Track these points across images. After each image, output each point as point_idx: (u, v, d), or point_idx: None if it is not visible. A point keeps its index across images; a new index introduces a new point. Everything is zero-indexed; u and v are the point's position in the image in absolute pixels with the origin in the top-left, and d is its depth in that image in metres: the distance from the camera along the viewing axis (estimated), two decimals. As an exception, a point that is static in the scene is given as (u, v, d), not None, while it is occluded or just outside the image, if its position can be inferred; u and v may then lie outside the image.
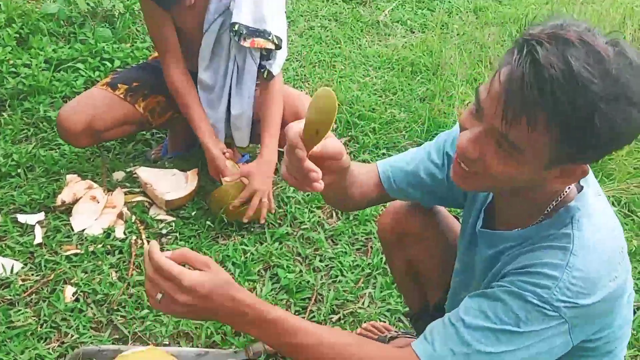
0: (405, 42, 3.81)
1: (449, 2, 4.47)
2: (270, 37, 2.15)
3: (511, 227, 1.17)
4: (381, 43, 3.84)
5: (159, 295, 1.02)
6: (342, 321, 1.93)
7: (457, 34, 3.97)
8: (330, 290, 2.02)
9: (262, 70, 2.21)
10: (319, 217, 2.31)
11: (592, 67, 0.90)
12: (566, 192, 1.10)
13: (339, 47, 3.64)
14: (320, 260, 2.13)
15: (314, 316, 1.92)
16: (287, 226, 2.25)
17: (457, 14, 4.30)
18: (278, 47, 2.18)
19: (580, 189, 1.13)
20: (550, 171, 1.02)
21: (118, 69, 2.82)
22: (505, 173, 1.02)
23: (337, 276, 2.08)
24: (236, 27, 2.12)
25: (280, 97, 2.24)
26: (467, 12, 4.37)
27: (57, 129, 2.29)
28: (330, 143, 1.09)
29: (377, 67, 3.49)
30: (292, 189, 2.43)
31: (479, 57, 3.56)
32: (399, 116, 2.96)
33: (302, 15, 4.01)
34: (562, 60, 0.90)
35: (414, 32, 4.01)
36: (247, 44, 2.14)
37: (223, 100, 2.30)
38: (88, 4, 3.22)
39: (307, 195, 2.41)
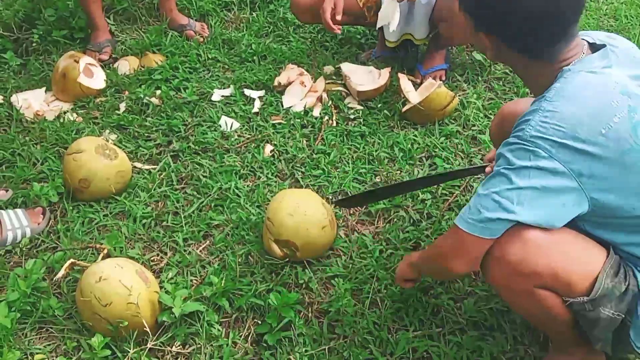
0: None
1: None
2: None
3: None
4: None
5: None
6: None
7: None
8: (481, 183, 2.21)
9: None
10: (493, 123, 2.47)
11: None
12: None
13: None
14: (481, 159, 2.31)
15: (457, 200, 2.14)
16: (458, 125, 2.46)
17: None
18: None
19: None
20: (479, 36, 1.35)
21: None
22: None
23: (492, 174, 2.25)
24: None
25: None
26: None
27: (289, 4, 2.81)
28: None
29: (609, -6, 3.35)
30: (476, 94, 2.61)
31: None
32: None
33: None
34: None
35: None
36: None
37: None
38: None
39: (489, 102, 2.58)
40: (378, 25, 2.54)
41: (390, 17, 2.48)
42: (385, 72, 2.63)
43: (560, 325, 1.39)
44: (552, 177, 1.21)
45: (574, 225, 1.35)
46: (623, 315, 1.33)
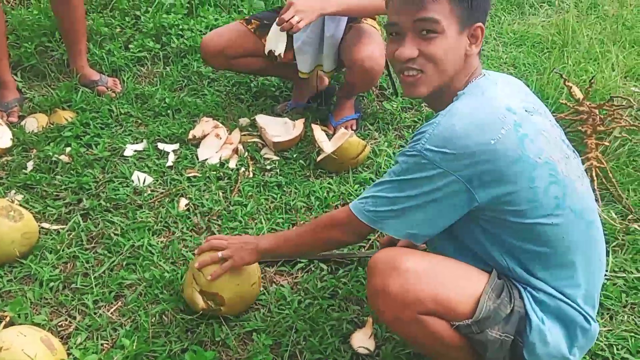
0: (545, 22, 3.81)
1: (609, -17, 4.31)
2: None
3: None
4: (521, 22, 3.88)
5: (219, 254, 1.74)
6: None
7: (606, 15, 3.86)
8: (395, 229, 2.25)
9: None
10: (405, 169, 2.54)
11: None
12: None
13: (475, 25, 3.76)
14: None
15: (373, 244, 2.18)
16: (371, 172, 2.52)
17: (614, -5, 4.14)
18: None
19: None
20: (464, 35, 1.41)
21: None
22: (440, 50, 1.39)
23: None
24: None
25: None
26: (627, -7, 4.19)
27: (200, 52, 2.80)
28: None
29: (507, 44, 3.57)
30: (387, 142, 2.69)
31: (619, 37, 3.46)
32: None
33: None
34: None
35: (559, 14, 3.97)
36: None
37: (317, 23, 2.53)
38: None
39: (400, 150, 2.65)
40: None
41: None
42: (300, 123, 2.68)
43: (456, 352, 1.43)
44: (441, 188, 1.33)
45: (471, 230, 1.44)
46: (512, 337, 1.39)
